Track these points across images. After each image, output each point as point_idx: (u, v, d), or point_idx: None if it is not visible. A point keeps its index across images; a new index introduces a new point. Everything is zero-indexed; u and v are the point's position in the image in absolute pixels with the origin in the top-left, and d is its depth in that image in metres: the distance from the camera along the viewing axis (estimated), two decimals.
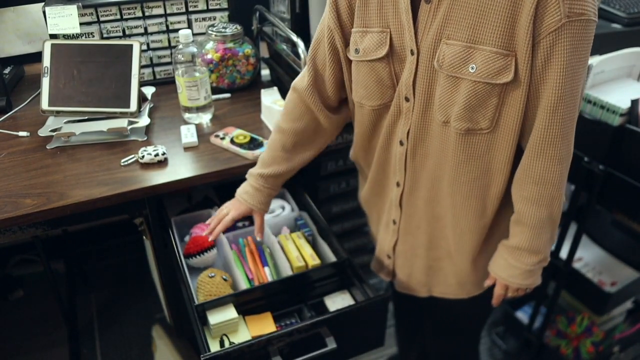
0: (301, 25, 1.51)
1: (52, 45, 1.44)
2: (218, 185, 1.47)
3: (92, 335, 1.96)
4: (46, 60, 1.43)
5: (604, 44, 1.39)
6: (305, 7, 1.49)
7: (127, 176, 1.28)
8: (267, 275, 1.18)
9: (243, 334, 1.07)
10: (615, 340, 1.75)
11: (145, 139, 1.42)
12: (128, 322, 2.00)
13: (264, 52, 1.76)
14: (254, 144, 1.37)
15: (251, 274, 1.18)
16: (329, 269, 1.18)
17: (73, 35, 1.56)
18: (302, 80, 1.09)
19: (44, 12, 1.51)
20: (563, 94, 0.83)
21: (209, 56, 1.58)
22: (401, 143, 1.01)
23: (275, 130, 1.16)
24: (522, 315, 1.85)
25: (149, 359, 1.86)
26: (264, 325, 1.09)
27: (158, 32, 1.66)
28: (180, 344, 1.81)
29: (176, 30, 1.63)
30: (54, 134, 1.40)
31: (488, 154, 0.93)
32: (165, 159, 1.33)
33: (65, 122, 1.44)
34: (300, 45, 1.38)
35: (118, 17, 1.60)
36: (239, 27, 1.60)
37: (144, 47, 1.65)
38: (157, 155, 1.31)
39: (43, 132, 1.43)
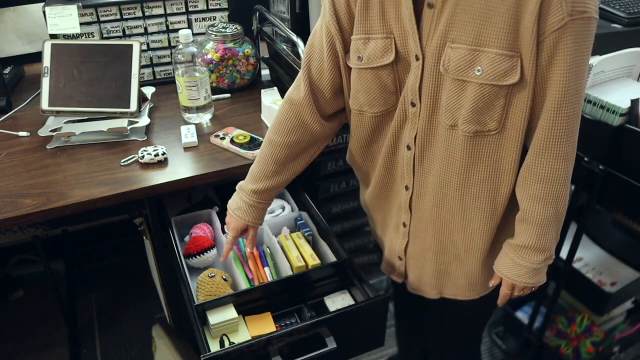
0: (301, 25, 1.51)
1: (52, 45, 1.44)
2: (218, 185, 1.47)
3: (92, 335, 1.96)
4: (46, 60, 1.43)
5: (604, 44, 1.39)
6: (305, 7, 1.50)
7: (127, 176, 1.28)
8: (267, 275, 1.18)
9: (243, 334, 1.07)
10: (615, 340, 1.74)
11: (145, 139, 1.42)
12: (128, 322, 2.00)
13: (264, 52, 1.76)
14: (254, 144, 1.37)
15: (251, 274, 1.18)
16: (329, 269, 1.18)
17: (73, 35, 1.56)
18: (297, 91, 1.05)
19: (44, 12, 1.51)
20: (567, 91, 0.83)
21: (209, 56, 1.58)
22: (408, 147, 1.01)
23: (266, 142, 1.11)
24: (522, 315, 1.85)
25: (149, 359, 1.86)
26: (264, 325, 1.09)
27: (158, 32, 1.66)
28: (180, 344, 1.81)
29: (176, 30, 1.62)
30: (54, 134, 1.40)
31: (496, 154, 0.93)
32: (165, 159, 1.33)
33: (65, 122, 1.44)
34: (300, 45, 1.38)
35: (118, 17, 1.60)
36: (239, 27, 1.60)
37: (144, 47, 1.65)
38: (157, 155, 1.31)
39: (43, 132, 1.43)
